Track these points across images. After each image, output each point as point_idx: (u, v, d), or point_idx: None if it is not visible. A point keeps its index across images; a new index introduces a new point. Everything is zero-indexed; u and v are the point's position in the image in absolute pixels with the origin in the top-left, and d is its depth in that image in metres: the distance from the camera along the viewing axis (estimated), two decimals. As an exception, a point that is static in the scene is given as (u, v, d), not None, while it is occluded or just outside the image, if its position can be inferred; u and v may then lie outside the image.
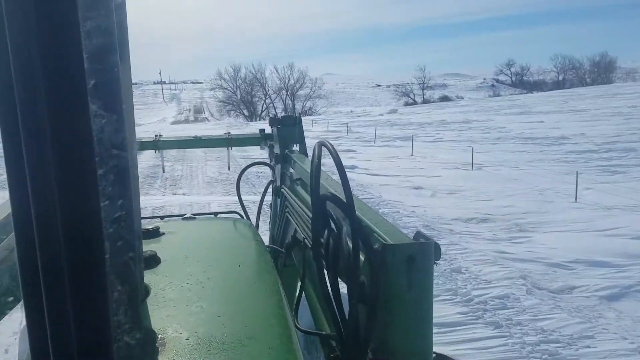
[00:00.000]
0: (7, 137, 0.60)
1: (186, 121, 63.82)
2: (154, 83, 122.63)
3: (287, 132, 3.44)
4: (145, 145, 4.32)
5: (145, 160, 18.21)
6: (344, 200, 1.49)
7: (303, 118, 3.94)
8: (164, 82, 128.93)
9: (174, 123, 59.14)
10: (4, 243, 1.55)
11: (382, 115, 50.74)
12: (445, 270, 6.92)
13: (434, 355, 1.47)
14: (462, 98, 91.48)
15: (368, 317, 1.43)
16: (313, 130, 32.84)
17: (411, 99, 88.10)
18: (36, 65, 0.56)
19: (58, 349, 0.61)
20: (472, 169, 16.24)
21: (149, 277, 1.55)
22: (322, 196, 1.55)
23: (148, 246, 1.79)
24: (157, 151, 4.38)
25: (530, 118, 35.83)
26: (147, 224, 2.18)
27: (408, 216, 9.71)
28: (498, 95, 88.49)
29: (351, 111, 68.02)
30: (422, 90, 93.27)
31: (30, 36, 0.55)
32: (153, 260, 1.69)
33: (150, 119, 67.66)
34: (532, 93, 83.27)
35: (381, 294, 1.39)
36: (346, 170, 1.46)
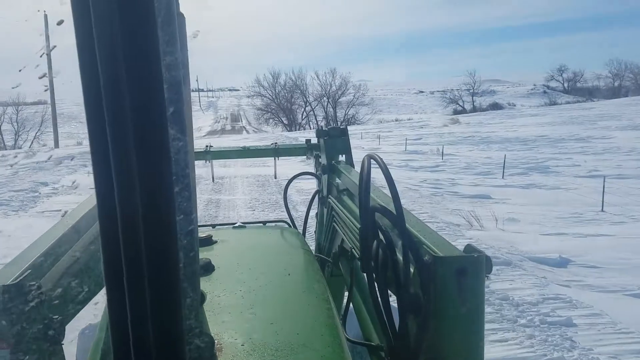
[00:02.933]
0: (97, 154, 0.64)
1: (222, 131, 57.91)
2: (192, 91, 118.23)
3: (333, 143, 3.44)
4: (196, 156, 4.29)
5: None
6: (394, 212, 1.50)
7: (349, 128, 3.80)
8: (201, 90, 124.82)
9: (208, 134, 53.28)
10: (85, 237, 1.66)
11: (446, 126, 43.46)
12: None
13: None
14: (515, 105, 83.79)
15: (419, 328, 1.42)
16: (386, 151, 24.01)
17: (460, 106, 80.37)
18: (125, 94, 0.62)
19: (138, 344, 0.64)
20: None
21: (204, 284, 1.59)
22: (372, 208, 1.59)
23: (202, 254, 1.83)
24: (206, 161, 4.32)
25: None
26: (200, 233, 2.19)
27: None
28: (554, 104, 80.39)
29: (396, 119, 61.16)
30: (472, 97, 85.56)
31: (121, 71, 0.61)
32: (208, 268, 1.80)
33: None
34: (592, 101, 75.07)
35: (432, 306, 1.37)
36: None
